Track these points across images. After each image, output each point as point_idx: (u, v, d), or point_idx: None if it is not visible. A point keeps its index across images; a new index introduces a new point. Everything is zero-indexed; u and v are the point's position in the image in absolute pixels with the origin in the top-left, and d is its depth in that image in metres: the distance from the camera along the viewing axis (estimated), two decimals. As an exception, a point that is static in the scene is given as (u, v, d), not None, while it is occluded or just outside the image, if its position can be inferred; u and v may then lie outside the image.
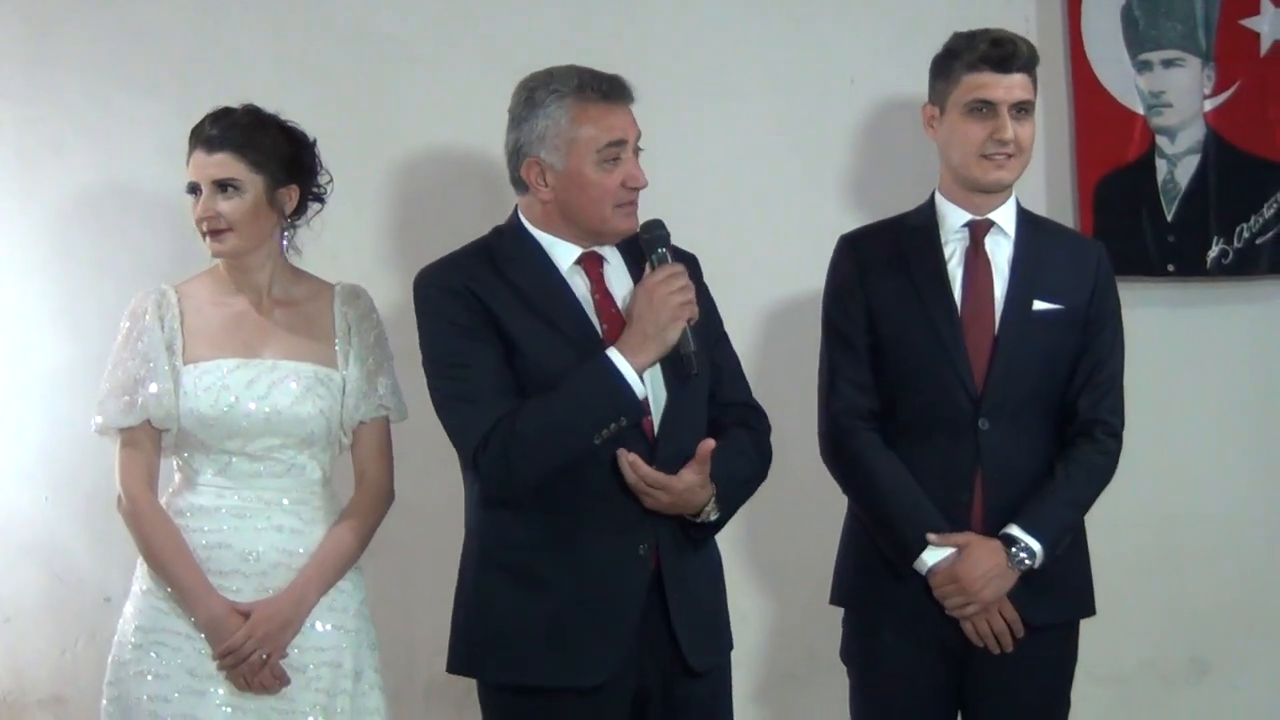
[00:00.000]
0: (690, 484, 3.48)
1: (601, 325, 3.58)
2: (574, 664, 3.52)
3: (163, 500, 3.70)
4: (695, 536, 3.58)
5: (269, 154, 3.69)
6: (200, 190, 3.67)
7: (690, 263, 3.71)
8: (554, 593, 3.53)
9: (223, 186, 3.65)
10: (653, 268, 3.53)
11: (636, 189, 3.58)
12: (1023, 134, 3.82)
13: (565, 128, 3.54)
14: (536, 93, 3.59)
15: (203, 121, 3.71)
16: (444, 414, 3.60)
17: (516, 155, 3.62)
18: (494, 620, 3.58)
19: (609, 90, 3.57)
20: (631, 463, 3.46)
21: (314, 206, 3.83)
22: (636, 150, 3.60)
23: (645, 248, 3.55)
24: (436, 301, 3.61)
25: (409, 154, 4.67)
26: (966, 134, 3.83)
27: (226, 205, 3.65)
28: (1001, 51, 3.81)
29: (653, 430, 3.56)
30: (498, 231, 3.73)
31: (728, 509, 3.60)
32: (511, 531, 3.57)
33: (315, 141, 3.82)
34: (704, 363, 3.53)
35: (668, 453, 3.52)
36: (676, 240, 3.64)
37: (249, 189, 3.66)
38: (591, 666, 3.52)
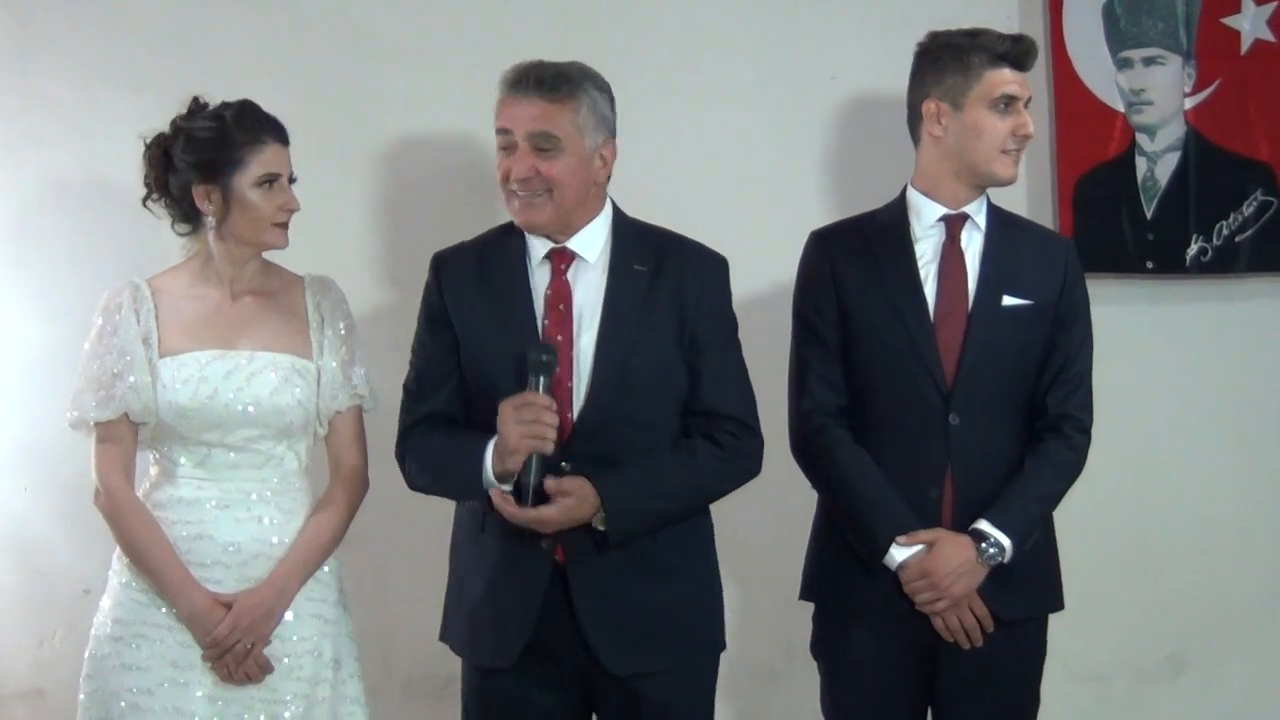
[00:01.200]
0: (556, 519, 3.53)
1: (544, 321, 3.63)
2: (481, 646, 3.67)
3: (140, 494, 3.71)
4: (599, 543, 3.60)
5: None
6: (278, 182, 3.70)
7: (710, 263, 3.77)
8: (477, 576, 3.66)
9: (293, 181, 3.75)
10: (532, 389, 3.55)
11: (515, 180, 3.61)
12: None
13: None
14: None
15: (261, 116, 3.71)
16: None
17: None
18: (451, 596, 3.78)
19: (515, 80, 3.62)
20: (498, 504, 3.53)
21: None
22: (538, 147, 3.59)
23: (529, 368, 3.53)
24: (427, 286, 3.77)
25: (391, 148, 4.68)
26: (993, 129, 3.85)
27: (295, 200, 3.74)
28: (1021, 48, 3.86)
29: (569, 431, 3.60)
30: (510, 222, 3.78)
31: (621, 522, 3.57)
32: (462, 515, 3.75)
33: None
34: (540, 498, 3.54)
35: (583, 453, 3.58)
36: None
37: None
38: (492, 650, 3.64)
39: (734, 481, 3.73)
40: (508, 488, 3.54)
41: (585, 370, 3.61)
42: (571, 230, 3.67)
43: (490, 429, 3.57)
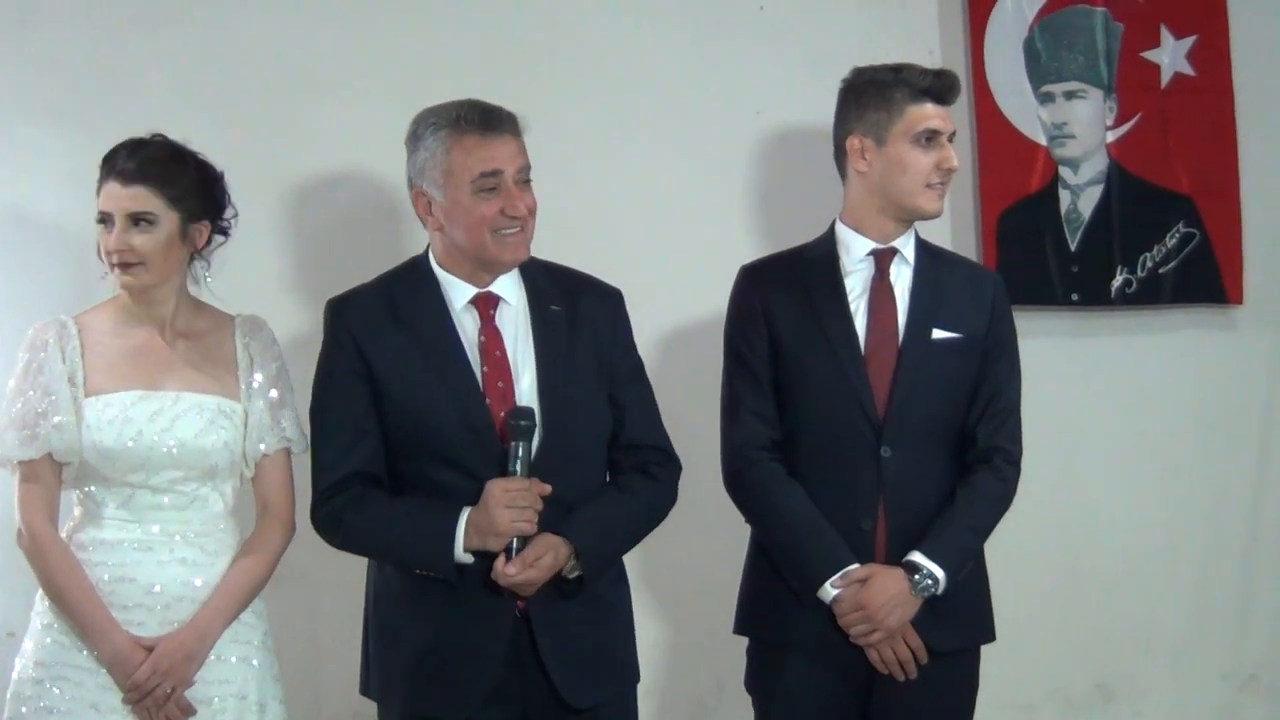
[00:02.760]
0: (540, 579, 3.54)
1: (483, 368, 3.62)
2: (440, 696, 3.61)
3: (63, 534, 3.65)
4: (566, 591, 3.61)
5: (185, 189, 3.66)
6: (112, 221, 3.63)
7: (613, 298, 3.79)
8: (428, 626, 3.62)
9: (136, 220, 3.62)
10: (511, 460, 3.54)
11: (516, 217, 3.60)
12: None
13: (441, 159, 3.60)
14: (419, 127, 3.66)
15: (117, 152, 3.67)
16: (311, 446, 3.74)
17: (409, 187, 3.69)
18: (387, 647, 3.70)
19: (484, 121, 3.60)
20: (499, 573, 3.53)
21: (218, 239, 3.81)
22: (521, 180, 3.62)
23: (509, 433, 3.55)
24: (327, 338, 3.73)
25: (314, 183, 4.65)
26: (916, 163, 3.87)
27: (140, 239, 3.62)
28: (944, 83, 3.89)
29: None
30: (410, 264, 3.77)
31: (594, 566, 3.62)
32: (389, 569, 3.71)
33: (223, 175, 3.80)
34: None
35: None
36: (585, 266, 3.67)
37: (164, 224, 3.63)
38: (446, 699, 3.61)
39: (666, 511, 3.79)
40: (468, 559, 3.54)
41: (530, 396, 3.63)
42: (491, 274, 3.68)
43: (422, 485, 3.61)
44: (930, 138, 3.87)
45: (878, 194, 3.90)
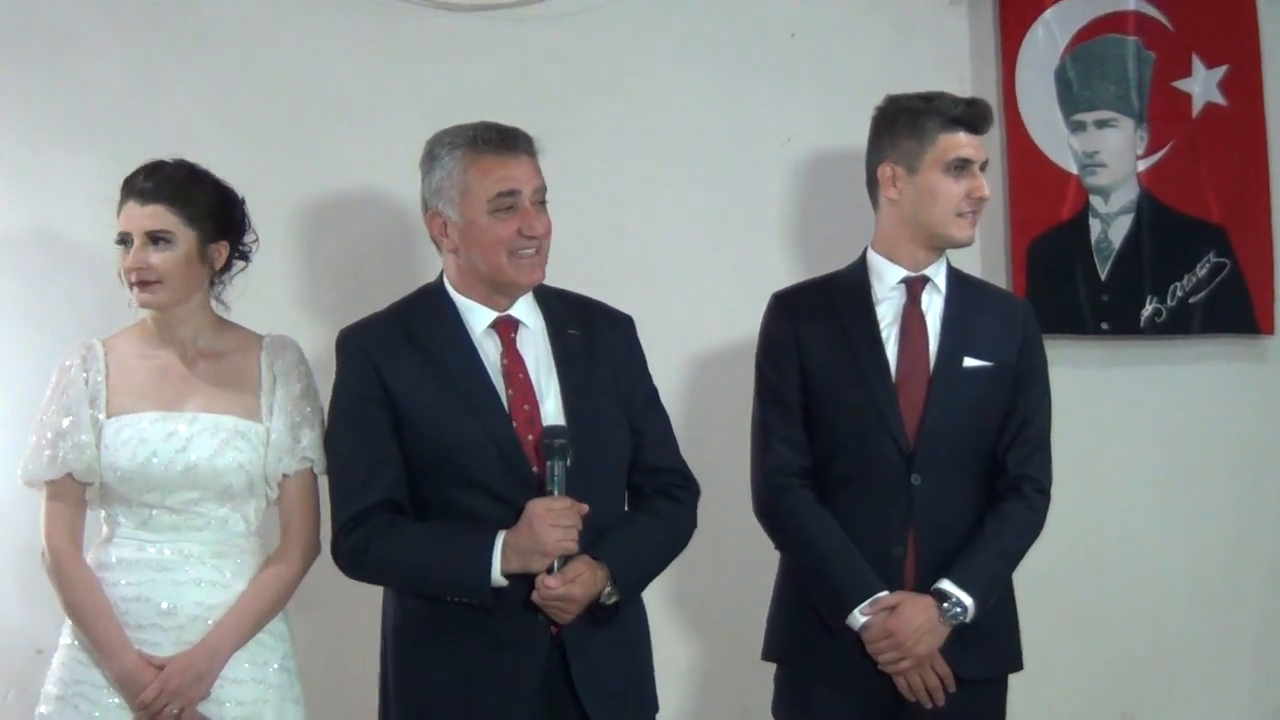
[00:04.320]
0: (582, 596, 3.51)
1: (507, 391, 3.61)
2: None
3: (89, 552, 3.68)
4: (600, 617, 3.59)
5: (202, 208, 3.69)
6: (131, 241, 3.66)
7: (625, 324, 3.79)
8: (458, 657, 3.58)
9: (154, 239, 3.65)
10: (550, 480, 3.52)
11: (533, 237, 3.59)
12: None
13: (458, 179, 3.59)
14: (435, 148, 3.66)
15: (136, 173, 3.70)
16: (329, 478, 3.71)
17: (424, 209, 3.68)
18: (411, 680, 3.65)
19: (501, 141, 3.60)
20: (543, 584, 3.50)
21: (238, 264, 3.83)
22: (538, 201, 3.62)
23: (543, 453, 3.54)
24: (342, 367, 3.70)
25: (342, 207, 4.66)
26: (948, 192, 3.87)
27: (158, 257, 3.64)
28: (975, 112, 3.90)
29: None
30: (422, 291, 3.77)
31: (630, 590, 3.62)
32: (408, 599, 3.68)
33: (244, 200, 3.82)
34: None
35: None
36: (617, 292, 3.67)
37: (181, 242, 3.66)
38: None
39: (689, 536, 3.77)
40: (504, 583, 3.52)
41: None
42: (508, 297, 3.68)
43: (450, 511, 3.58)
44: (961, 166, 3.87)
45: (909, 222, 3.91)
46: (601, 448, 3.62)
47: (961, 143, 3.88)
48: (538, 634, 3.56)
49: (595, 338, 3.71)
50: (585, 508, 3.51)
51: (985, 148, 3.93)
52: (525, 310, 3.69)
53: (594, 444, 3.60)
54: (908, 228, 3.92)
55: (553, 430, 3.54)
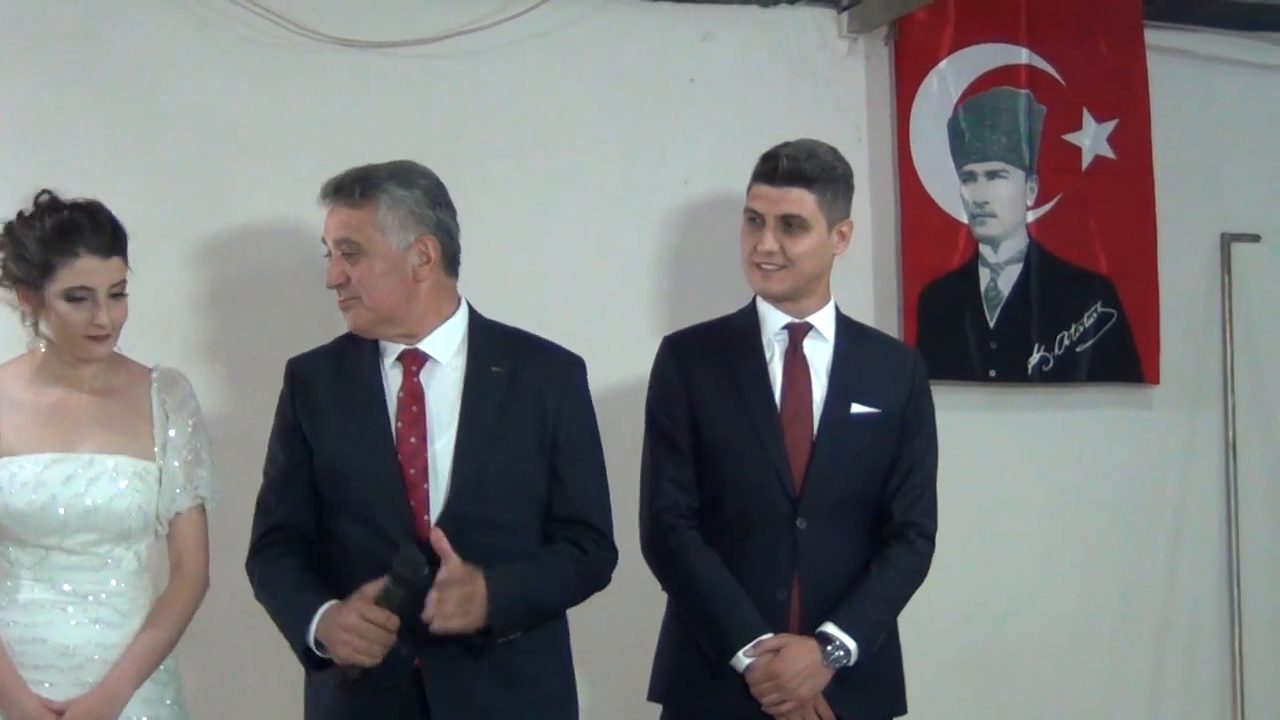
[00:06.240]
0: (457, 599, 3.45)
1: (397, 422, 3.61)
2: None
3: None
4: (472, 645, 3.52)
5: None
6: (90, 296, 3.56)
7: (566, 366, 3.77)
8: (326, 691, 3.57)
9: (118, 294, 3.60)
10: (383, 593, 3.43)
11: (330, 287, 3.66)
12: (792, 248, 3.87)
13: None
14: None
15: (79, 225, 3.56)
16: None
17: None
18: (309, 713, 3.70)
19: (322, 193, 3.67)
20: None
21: None
22: (339, 251, 3.63)
23: (390, 574, 3.43)
24: (281, 394, 3.74)
25: (242, 240, 4.63)
26: (743, 241, 3.94)
27: (119, 311, 3.61)
28: (768, 165, 3.91)
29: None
30: None
31: (504, 617, 3.51)
32: None
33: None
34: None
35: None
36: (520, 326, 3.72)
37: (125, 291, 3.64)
38: None
39: (591, 589, 3.74)
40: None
41: (443, 473, 3.58)
42: (421, 331, 3.66)
43: (336, 539, 3.61)
44: (754, 218, 3.91)
45: None
46: (490, 488, 3.58)
47: (754, 194, 3.92)
48: (398, 667, 3.50)
49: (523, 377, 3.67)
50: (396, 622, 3.43)
51: (801, 202, 3.86)
52: (440, 344, 3.67)
53: (482, 484, 3.57)
54: None
55: (406, 559, 3.42)
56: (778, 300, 3.93)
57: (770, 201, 3.88)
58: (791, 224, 3.87)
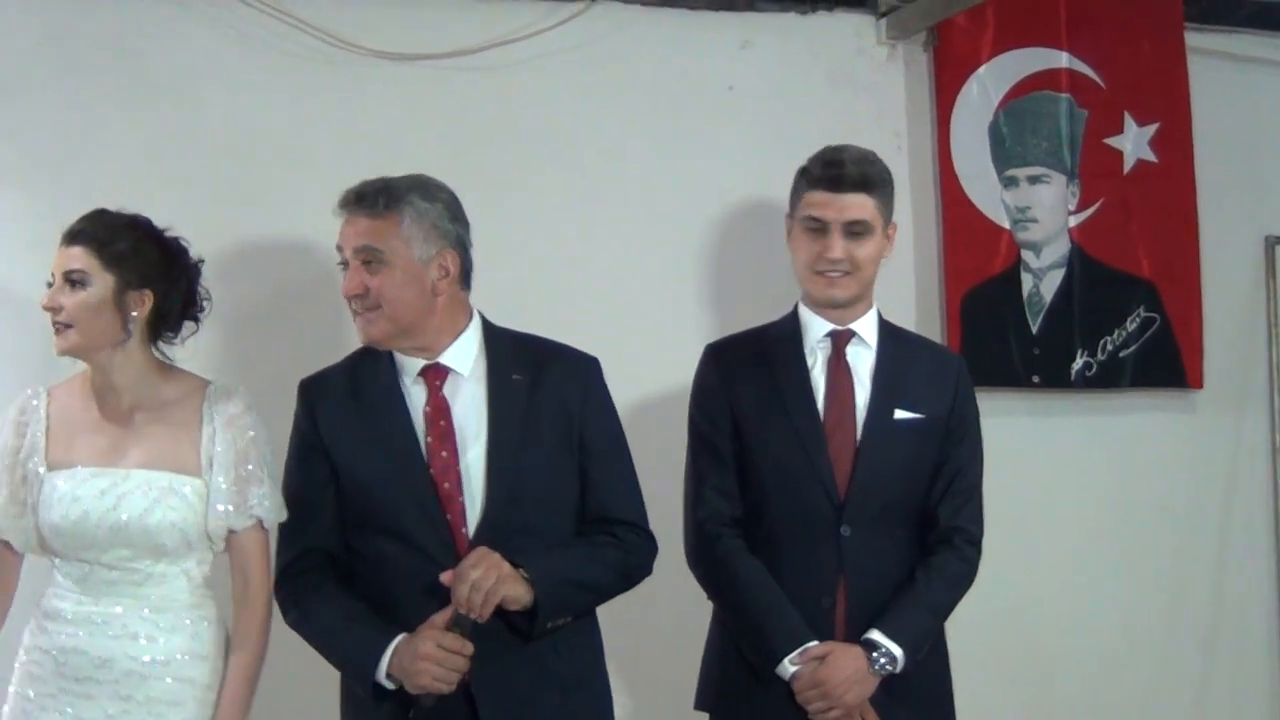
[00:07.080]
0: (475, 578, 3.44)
1: (427, 439, 3.61)
2: None
3: (41, 601, 3.64)
4: (523, 629, 3.53)
5: (126, 254, 3.60)
6: (53, 283, 3.62)
7: (584, 367, 3.76)
8: (385, 696, 3.55)
9: (71, 280, 3.58)
10: (455, 620, 3.45)
11: (347, 297, 3.65)
12: (858, 253, 3.87)
13: None
14: None
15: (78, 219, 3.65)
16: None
17: None
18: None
19: (341, 201, 3.66)
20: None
21: (189, 325, 3.75)
22: (360, 261, 3.61)
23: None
24: (296, 414, 3.73)
25: (280, 253, 4.65)
26: (803, 249, 3.91)
27: (68, 299, 3.58)
28: (831, 172, 3.89)
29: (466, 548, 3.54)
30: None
31: (549, 599, 3.51)
32: None
33: (200, 261, 3.76)
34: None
35: None
36: (559, 338, 3.71)
37: (96, 285, 3.58)
38: None
39: (634, 578, 3.73)
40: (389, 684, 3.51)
41: (477, 484, 3.58)
42: (438, 345, 3.66)
43: (370, 557, 3.59)
44: (817, 225, 3.89)
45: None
46: (527, 493, 3.59)
47: (816, 201, 3.89)
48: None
49: (544, 380, 3.67)
50: (471, 649, 3.45)
51: (865, 207, 3.87)
52: (459, 356, 3.66)
53: (518, 489, 3.58)
54: None
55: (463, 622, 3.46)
56: (841, 306, 3.93)
57: (836, 208, 3.87)
58: (857, 230, 3.87)
